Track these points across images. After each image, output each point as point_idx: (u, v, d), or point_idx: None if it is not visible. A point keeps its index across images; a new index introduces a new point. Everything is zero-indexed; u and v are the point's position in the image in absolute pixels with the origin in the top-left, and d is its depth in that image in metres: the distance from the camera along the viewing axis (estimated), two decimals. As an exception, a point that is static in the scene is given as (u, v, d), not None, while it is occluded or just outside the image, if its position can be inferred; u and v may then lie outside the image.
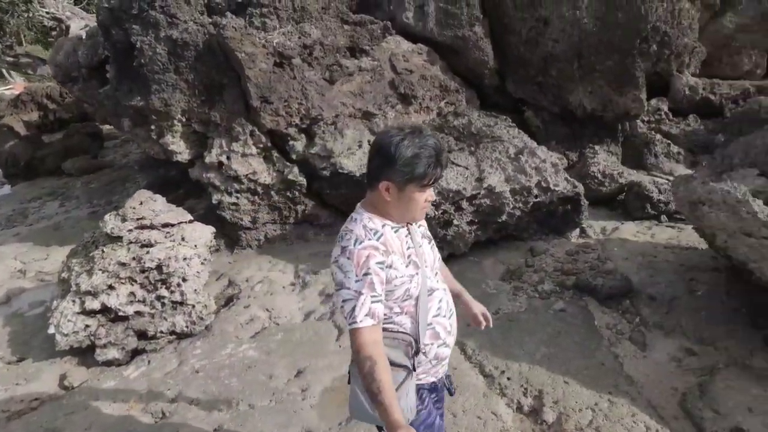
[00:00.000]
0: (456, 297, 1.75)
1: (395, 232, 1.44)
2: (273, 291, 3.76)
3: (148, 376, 2.87)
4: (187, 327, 3.13)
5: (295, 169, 4.27)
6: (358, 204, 1.51)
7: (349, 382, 1.51)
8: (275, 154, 4.27)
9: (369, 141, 4.59)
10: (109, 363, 3.00)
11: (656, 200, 4.34)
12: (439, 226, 3.73)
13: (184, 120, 4.10)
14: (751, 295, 2.80)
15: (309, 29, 4.28)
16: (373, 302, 1.32)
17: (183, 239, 3.33)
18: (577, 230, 4.23)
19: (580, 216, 4.12)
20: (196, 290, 3.21)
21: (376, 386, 1.25)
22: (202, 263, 3.39)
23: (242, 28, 3.85)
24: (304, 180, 4.33)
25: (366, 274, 1.31)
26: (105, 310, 3.04)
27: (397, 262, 1.39)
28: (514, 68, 5.49)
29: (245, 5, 4.18)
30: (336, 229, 4.61)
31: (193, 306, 3.15)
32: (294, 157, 4.28)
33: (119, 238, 3.19)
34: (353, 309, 1.30)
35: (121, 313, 3.02)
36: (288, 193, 4.37)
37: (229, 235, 4.42)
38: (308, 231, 4.56)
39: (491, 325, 1.84)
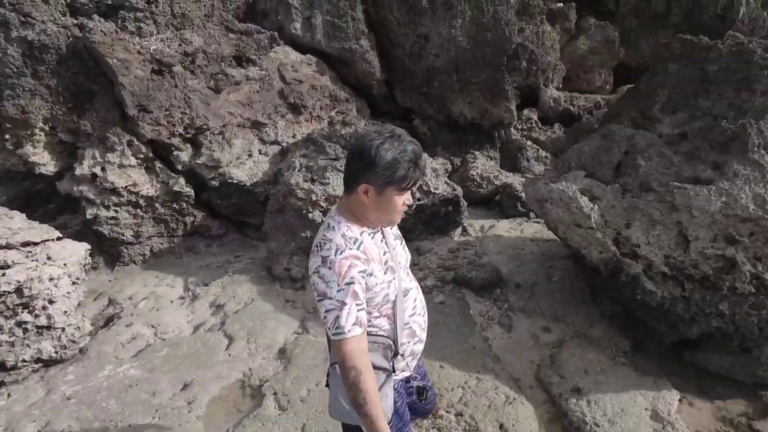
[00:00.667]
0: None
1: (372, 238, 1.44)
2: (159, 306, 3.61)
3: (8, 410, 2.62)
4: (56, 352, 2.90)
5: (181, 180, 4.14)
6: (333, 209, 1.50)
7: (327, 385, 1.52)
8: (158, 164, 4.11)
9: (259, 150, 4.61)
10: (-41, 401, 2.67)
11: (525, 200, 4.89)
12: (329, 231, 3.86)
13: (47, 129, 3.78)
14: (590, 276, 3.31)
15: (190, 36, 4.19)
16: (358, 310, 1.31)
17: (49, 258, 3.07)
18: (459, 229, 4.63)
19: (461, 216, 4.52)
20: (66, 312, 2.99)
21: (362, 397, 1.25)
22: (73, 283, 3.16)
23: (113, 33, 3.67)
24: (192, 191, 4.22)
25: (348, 284, 1.30)
26: (-48, 342, 2.71)
27: (377, 269, 1.40)
28: (401, 79, 5.84)
29: (117, 8, 3.98)
30: (228, 240, 4.57)
31: (63, 329, 2.93)
32: (180, 167, 4.16)
33: (-32, 262, 2.86)
34: (337, 318, 1.28)
35: (-28, 345, 2.71)
36: (175, 205, 4.22)
37: (108, 252, 4.15)
38: (199, 243, 4.44)
39: None
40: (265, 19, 5.41)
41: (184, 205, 4.24)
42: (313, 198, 3.76)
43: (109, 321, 3.50)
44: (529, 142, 6.52)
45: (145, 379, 2.82)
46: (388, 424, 1.34)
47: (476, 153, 6.13)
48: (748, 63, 2.74)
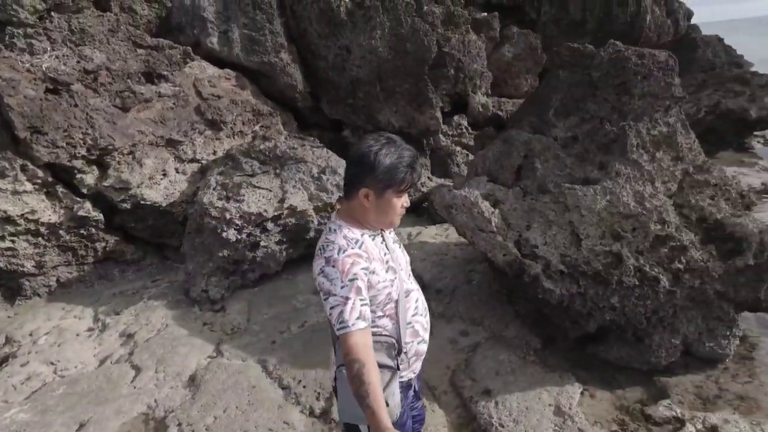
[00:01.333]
0: None
1: (372, 239, 1.48)
2: (63, 341, 3.37)
3: None
4: (-67, 402, 2.64)
5: (87, 205, 3.92)
6: (333, 214, 1.55)
7: (334, 388, 1.53)
8: (60, 189, 3.86)
9: (176, 169, 4.44)
10: None
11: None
12: (247, 249, 3.77)
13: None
14: (503, 278, 3.39)
15: (91, 53, 4.00)
16: (362, 305, 1.34)
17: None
18: (386, 238, 4.63)
19: (387, 225, 4.53)
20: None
21: (365, 389, 1.27)
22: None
23: (-3, 53, 3.44)
24: (101, 215, 4.00)
25: (352, 280, 1.34)
26: None
27: (378, 268, 1.44)
28: (326, 91, 5.83)
29: (3, 24, 3.74)
30: (146, 264, 4.36)
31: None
32: (85, 191, 3.93)
33: None
34: (341, 313, 1.32)
35: None
36: (82, 231, 3.98)
37: (7, 285, 3.84)
38: (113, 269, 4.20)
39: None
40: (181, 34, 5.25)
41: (93, 230, 4.00)
42: (227, 216, 3.66)
43: (2, 362, 3.23)
44: (458, 148, 6.67)
45: (35, 422, 2.61)
46: (396, 422, 1.38)
47: None
48: (623, 69, 2.92)
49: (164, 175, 4.27)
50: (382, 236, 1.56)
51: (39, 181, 3.74)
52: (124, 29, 4.45)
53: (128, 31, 4.49)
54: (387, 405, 1.37)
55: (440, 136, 6.57)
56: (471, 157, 6.69)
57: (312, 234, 4.04)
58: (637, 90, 2.90)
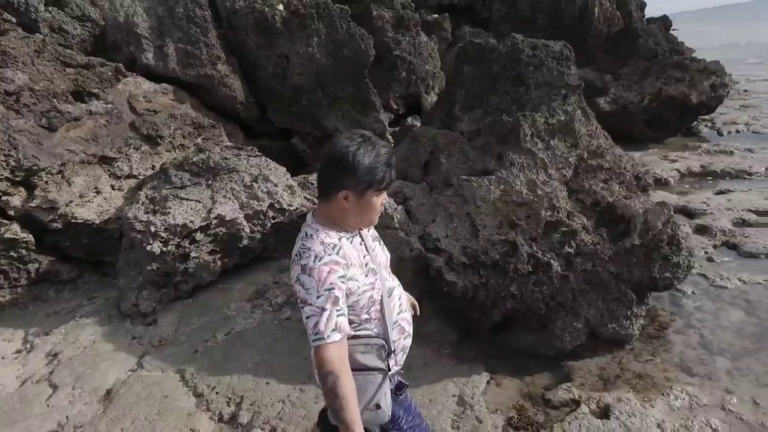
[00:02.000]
0: None
1: (350, 242, 1.46)
2: (-13, 364, 3.36)
3: None
4: None
5: (15, 226, 3.90)
6: (309, 216, 1.49)
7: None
8: (-12, 211, 3.86)
9: (112, 186, 4.44)
10: None
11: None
12: (177, 261, 3.77)
13: None
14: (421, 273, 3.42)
15: (12, 74, 4.00)
16: (338, 316, 1.32)
17: None
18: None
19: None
20: None
21: (339, 403, 1.27)
22: None
23: None
24: (30, 236, 3.98)
25: (328, 290, 1.32)
26: None
27: (357, 273, 1.41)
28: (270, 100, 5.87)
29: None
30: (83, 282, 4.35)
31: None
32: (12, 213, 3.92)
33: None
34: (316, 324, 1.29)
35: None
36: (12, 253, 3.96)
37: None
38: (48, 290, 4.18)
39: (418, 313, 1.88)
40: (117, 51, 5.28)
41: (24, 252, 3.99)
42: (152, 229, 3.66)
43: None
44: (409, 149, 6.70)
45: (-59, 448, 2.59)
46: (391, 420, 1.45)
47: None
48: (518, 61, 2.98)
49: (97, 192, 4.27)
50: (361, 236, 1.52)
51: (-36, 204, 3.73)
52: (51, 49, 4.45)
53: (56, 51, 4.49)
54: (379, 407, 1.41)
55: (389, 137, 6.60)
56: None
57: (245, 242, 4.05)
58: (532, 81, 2.95)
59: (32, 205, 3.93)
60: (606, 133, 3.17)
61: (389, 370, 1.47)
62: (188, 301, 3.89)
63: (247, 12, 5.33)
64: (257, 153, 4.83)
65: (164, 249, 3.66)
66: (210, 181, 4.17)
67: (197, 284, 3.93)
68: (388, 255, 1.68)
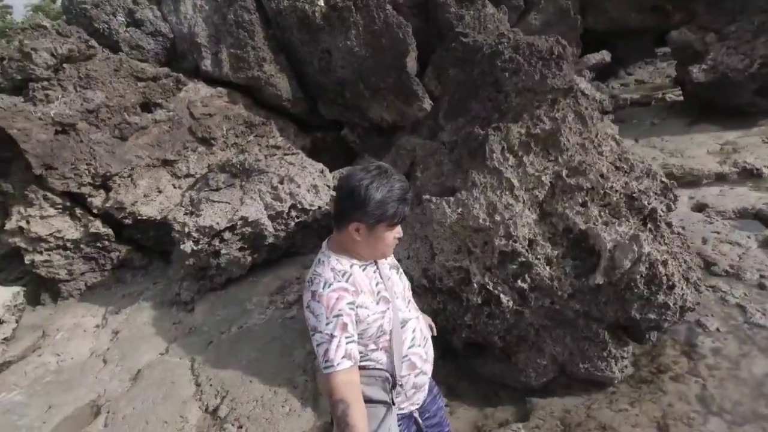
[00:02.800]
0: None
1: (363, 270, 1.46)
2: (73, 336, 4.24)
3: None
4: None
5: (97, 222, 4.76)
6: (324, 244, 1.53)
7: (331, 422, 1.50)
8: (78, 211, 4.75)
9: (173, 185, 5.11)
10: None
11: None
12: (210, 257, 4.26)
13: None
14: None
15: (92, 95, 4.77)
16: (348, 343, 1.33)
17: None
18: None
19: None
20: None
21: (349, 431, 1.27)
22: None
23: (13, 106, 4.33)
24: (110, 230, 4.83)
25: (337, 316, 1.33)
26: None
27: (367, 301, 1.41)
28: (318, 94, 6.06)
29: (27, 81, 4.65)
30: (152, 269, 5.14)
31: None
32: (96, 211, 4.78)
33: None
34: (326, 352, 1.31)
35: None
36: (98, 244, 4.85)
37: (51, 289, 4.88)
38: (126, 274, 5.05)
39: (435, 333, 1.89)
40: (185, 60, 5.90)
41: (107, 243, 4.86)
42: (186, 230, 4.17)
43: (33, 351, 4.19)
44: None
45: (23, 404, 3.41)
46: None
47: None
48: (494, 66, 2.68)
49: (159, 191, 4.96)
50: (376, 264, 1.51)
51: (60, 206, 4.65)
52: (126, 66, 5.17)
53: (130, 68, 5.19)
54: None
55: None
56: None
57: (270, 240, 4.38)
58: (510, 87, 2.65)
59: (108, 205, 4.73)
60: (616, 137, 2.73)
61: (393, 404, 1.44)
62: (221, 292, 4.39)
63: (290, 11, 5.50)
64: (295, 151, 5.10)
65: (195, 248, 4.15)
66: (243, 183, 4.56)
67: (229, 277, 4.40)
68: (408, 284, 1.64)
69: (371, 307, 1.41)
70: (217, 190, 4.46)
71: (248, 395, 3.03)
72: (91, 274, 4.94)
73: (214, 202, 4.32)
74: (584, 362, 2.42)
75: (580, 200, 2.40)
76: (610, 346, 2.37)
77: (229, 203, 4.34)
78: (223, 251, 4.26)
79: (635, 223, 2.34)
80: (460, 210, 2.53)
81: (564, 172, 2.47)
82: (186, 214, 4.32)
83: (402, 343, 1.48)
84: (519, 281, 2.33)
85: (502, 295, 2.35)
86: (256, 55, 5.55)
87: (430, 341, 1.63)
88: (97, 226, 4.76)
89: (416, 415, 1.58)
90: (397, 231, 1.48)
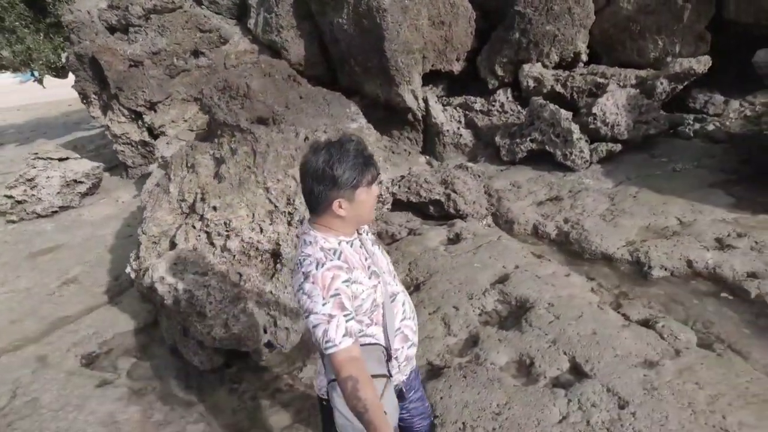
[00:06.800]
0: None
1: (351, 246, 1.46)
2: (118, 198, 6.53)
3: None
4: (43, 209, 6.19)
5: (145, 132, 6.82)
6: (306, 224, 1.50)
7: (325, 403, 1.52)
8: (139, 122, 6.88)
9: (195, 113, 6.76)
10: None
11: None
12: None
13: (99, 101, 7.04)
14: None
15: (159, 40, 6.57)
16: (347, 321, 1.32)
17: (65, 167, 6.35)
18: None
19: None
20: (52, 193, 6.21)
21: (362, 405, 1.26)
22: (68, 182, 6.36)
23: (104, 44, 6.42)
24: (152, 138, 6.85)
25: (334, 296, 1.32)
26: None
27: (361, 276, 1.42)
28: (334, 61, 6.64)
29: (127, 25, 6.70)
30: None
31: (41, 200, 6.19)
32: (146, 124, 6.82)
33: None
34: (326, 332, 1.30)
35: None
36: (147, 148, 6.97)
37: (125, 170, 7.33)
38: (162, 173, 7.12)
39: None
40: (249, 17, 7.18)
41: (151, 148, 6.94)
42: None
43: (93, 199, 6.65)
44: (456, 126, 6.24)
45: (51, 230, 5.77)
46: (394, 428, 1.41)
47: (401, 133, 6.47)
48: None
49: (184, 120, 6.69)
50: (360, 240, 1.52)
51: (126, 116, 6.82)
52: (194, 20, 6.77)
53: (197, 21, 6.78)
54: (384, 414, 1.34)
55: (441, 113, 6.32)
56: (465, 137, 6.19)
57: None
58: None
59: (150, 122, 6.70)
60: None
61: (390, 375, 1.47)
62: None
63: (308, -17, 6.12)
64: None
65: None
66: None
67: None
68: (389, 259, 1.68)
69: (365, 282, 1.43)
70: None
71: (100, 273, 4.60)
72: (144, 167, 7.17)
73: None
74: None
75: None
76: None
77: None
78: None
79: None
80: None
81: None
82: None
83: (394, 316, 1.51)
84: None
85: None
86: (277, 21, 6.45)
87: (415, 314, 1.66)
88: (145, 134, 6.83)
89: (403, 387, 1.63)
90: (375, 189, 1.47)
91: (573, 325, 2.88)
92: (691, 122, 5.88)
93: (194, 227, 2.96)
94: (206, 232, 2.88)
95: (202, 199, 3.05)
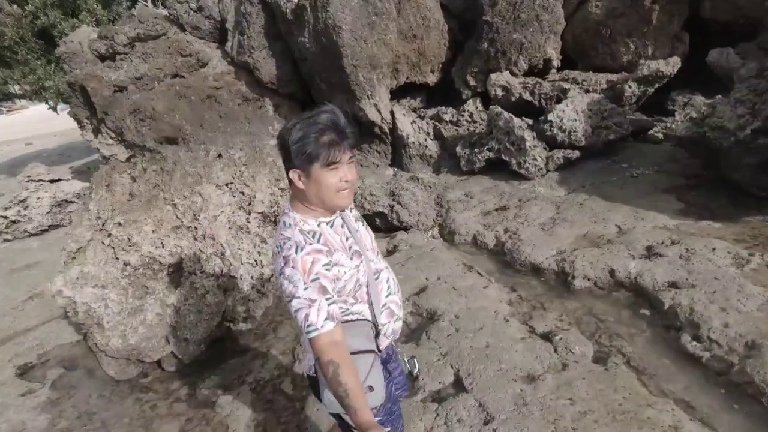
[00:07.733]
0: None
1: (331, 226, 1.43)
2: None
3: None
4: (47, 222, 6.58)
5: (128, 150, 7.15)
6: (287, 205, 1.48)
7: (310, 377, 1.55)
8: (126, 142, 7.22)
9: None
10: None
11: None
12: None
13: (91, 123, 7.45)
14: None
15: (141, 65, 6.92)
16: (329, 305, 1.31)
17: (57, 188, 6.73)
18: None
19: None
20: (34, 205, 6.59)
21: (343, 390, 1.26)
22: (58, 202, 6.74)
23: (90, 72, 6.82)
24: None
25: (314, 280, 1.30)
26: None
27: (342, 258, 1.40)
28: (307, 81, 6.80)
29: (114, 54, 7.10)
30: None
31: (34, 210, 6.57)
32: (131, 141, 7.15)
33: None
34: (307, 317, 1.28)
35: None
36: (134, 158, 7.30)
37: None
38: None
39: None
40: (227, 40, 7.48)
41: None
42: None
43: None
44: (424, 139, 6.24)
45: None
46: (381, 403, 1.44)
47: (370, 147, 6.54)
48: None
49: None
50: (342, 218, 1.49)
51: (114, 138, 7.19)
52: (175, 45, 7.12)
53: (178, 45, 7.12)
54: (372, 389, 1.37)
55: (409, 125, 6.36)
56: (431, 148, 6.18)
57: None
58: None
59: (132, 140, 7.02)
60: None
61: (379, 351, 1.49)
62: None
63: (276, 6, 6.31)
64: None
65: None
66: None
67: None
68: (373, 236, 1.64)
69: (346, 264, 1.40)
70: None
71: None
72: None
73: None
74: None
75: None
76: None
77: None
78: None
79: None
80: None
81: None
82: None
83: (379, 293, 1.50)
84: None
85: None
86: (248, 43, 6.68)
87: (399, 289, 1.65)
88: (127, 152, 7.17)
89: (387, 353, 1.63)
90: (343, 173, 1.36)
91: (470, 338, 2.81)
92: (667, 125, 5.65)
93: (103, 243, 3.11)
94: (112, 248, 3.02)
95: (112, 217, 3.19)
